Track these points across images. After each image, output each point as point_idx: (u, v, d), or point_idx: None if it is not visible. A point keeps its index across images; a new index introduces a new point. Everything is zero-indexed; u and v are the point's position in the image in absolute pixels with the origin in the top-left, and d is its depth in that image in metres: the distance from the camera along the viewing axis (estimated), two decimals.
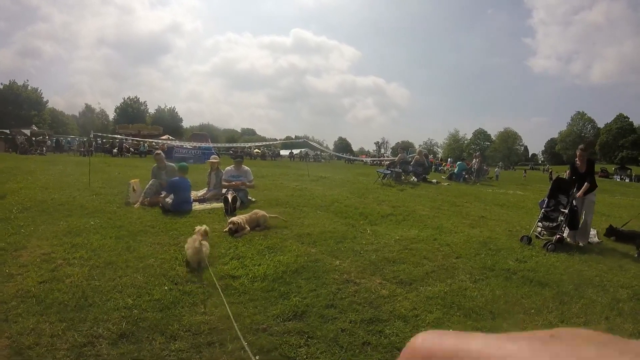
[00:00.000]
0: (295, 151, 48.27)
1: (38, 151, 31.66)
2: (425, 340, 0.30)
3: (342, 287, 3.95)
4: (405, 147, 34.08)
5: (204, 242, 4.54)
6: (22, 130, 35.99)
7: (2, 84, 62.22)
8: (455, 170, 21.63)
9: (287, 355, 2.78)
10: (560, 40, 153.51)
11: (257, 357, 2.72)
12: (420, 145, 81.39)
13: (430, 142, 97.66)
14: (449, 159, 46.54)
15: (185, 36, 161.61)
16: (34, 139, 35.41)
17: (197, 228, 4.89)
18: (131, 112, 74.66)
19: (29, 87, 64.13)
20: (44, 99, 66.80)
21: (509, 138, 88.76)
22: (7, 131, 35.03)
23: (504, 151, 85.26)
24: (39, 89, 65.74)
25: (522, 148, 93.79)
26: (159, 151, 9.35)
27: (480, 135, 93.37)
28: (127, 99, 78.42)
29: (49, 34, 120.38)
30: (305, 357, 2.78)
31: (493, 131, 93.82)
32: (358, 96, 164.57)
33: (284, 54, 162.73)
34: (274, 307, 3.49)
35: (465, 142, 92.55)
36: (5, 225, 5.91)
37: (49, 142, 37.63)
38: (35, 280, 3.85)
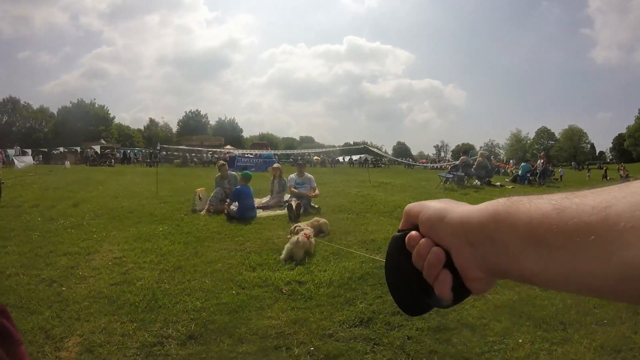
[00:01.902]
0: (355, 157, 48.29)
1: (107, 163, 34.23)
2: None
3: None
4: (466, 149, 32.78)
5: (306, 240, 4.99)
6: (92, 146, 39.03)
7: (71, 102, 68.62)
8: (520, 172, 20.64)
9: None
10: (620, 28, 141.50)
11: None
12: (481, 147, 77.41)
13: (492, 144, 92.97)
14: (510, 161, 44.36)
15: (242, 51, 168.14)
16: (103, 151, 38.27)
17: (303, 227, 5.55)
18: (193, 124, 78.57)
19: (96, 105, 69.74)
20: (111, 115, 72.26)
21: (574, 136, 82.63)
22: (78, 148, 38.18)
23: (570, 150, 79.41)
24: (106, 106, 71.40)
25: (589, 146, 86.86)
26: (222, 162, 9.71)
27: (544, 134, 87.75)
28: (189, 112, 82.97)
29: (112, 56, 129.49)
30: None
31: (557, 129, 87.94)
32: (415, 100, 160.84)
33: (339, 62, 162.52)
34: (339, 313, 3.46)
35: (528, 142, 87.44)
36: (78, 231, 6.42)
37: (117, 155, 40.41)
38: (107, 282, 4.09)
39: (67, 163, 31.49)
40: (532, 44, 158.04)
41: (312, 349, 2.87)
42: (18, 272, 4.38)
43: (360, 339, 3.04)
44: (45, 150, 39.94)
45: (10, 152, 30.20)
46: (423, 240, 0.48)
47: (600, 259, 0.32)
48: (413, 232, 0.50)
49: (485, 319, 3.39)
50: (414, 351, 2.87)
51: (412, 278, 0.50)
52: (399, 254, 0.52)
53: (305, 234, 5.19)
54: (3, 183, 8.54)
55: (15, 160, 25.65)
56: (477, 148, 69.72)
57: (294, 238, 4.98)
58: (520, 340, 2.98)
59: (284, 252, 4.91)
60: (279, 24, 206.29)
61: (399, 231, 0.54)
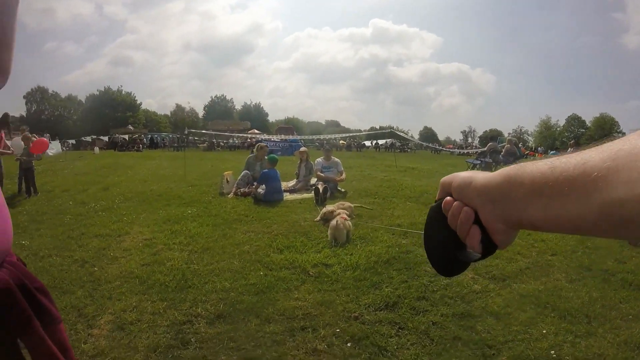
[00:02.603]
0: (381, 142, 48.01)
1: (135, 148, 34.99)
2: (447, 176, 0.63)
3: (433, 279, 3.82)
4: (494, 136, 31.95)
5: (345, 222, 5.09)
6: (119, 133, 40.11)
7: (98, 90, 70.43)
8: None
9: (378, 344, 2.76)
10: None
11: (348, 344, 2.75)
12: (509, 134, 74.99)
13: (520, 130, 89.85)
14: (539, 148, 42.96)
15: (266, 35, 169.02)
16: (130, 137, 39.31)
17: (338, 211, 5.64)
18: (219, 109, 79.85)
19: (123, 92, 71.32)
20: (138, 102, 73.72)
21: (605, 124, 79.23)
22: (106, 139, 39.55)
23: (601, 139, 76.45)
24: (132, 92, 72.95)
25: (620, 135, 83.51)
26: (264, 145, 9.79)
27: (574, 121, 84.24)
28: (215, 97, 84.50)
29: (137, 44, 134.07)
30: (395, 347, 2.75)
31: (588, 117, 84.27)
32: (442, 84, 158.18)
33: (365, 45, 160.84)
34: (365, 296, 3.48)
35: (558, 129, 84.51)
36: (109, 214, 6.61)
37: (144, 140, 41.38)
38: (138, 263, 4.21)
39: (96, 149, 32.38)
40: (563, 27, 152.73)
41: (337, 330, 2.91)
42: (51, 254, 4.53)
43: (385, 323, 3.06)
44: (74, 138, 41.22)
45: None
46: (456, 203, 0.60)
47: (583, 203, 0.42)
48: (448, 197, 0.62)
49: (509, 307, 3.36)
50: (438, 336, 2.88)
51: (448, 239, 0.62)
52: (436, 220, 0.64)
53: (342, 216, 5.29)
54: (34, 169, 8.81)
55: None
56: (505, 134, 68.08)
57: (333, 222, 5.07)
58: (544, 331, 2.95)
59: (329, 236, 5.05)
60: (303, 8, 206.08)
61: (435, 201, 0.65)
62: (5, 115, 9.04)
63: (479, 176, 0.58)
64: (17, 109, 63.67)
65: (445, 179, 0.63)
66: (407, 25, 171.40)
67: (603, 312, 3.33)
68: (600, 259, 4.65)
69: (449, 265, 0.64)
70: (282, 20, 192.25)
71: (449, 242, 0.62)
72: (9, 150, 8.42)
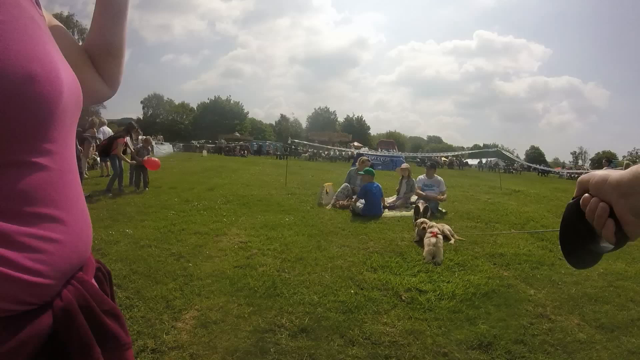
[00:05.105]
0: (484, 160, 46.29)
1: (241, 153, 37.33)
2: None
3: (534, 321, 3.43)
4: (608, 158, 28.92)
5: (436, 240, 5.05)
6: (226, 139, 43.31)
7: (208, 98, 78.06)
8: None
9: None
10: None
11: None
12: (624, 157, 67.38)
13: (637, 153, 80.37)
14: None
15: (370, 49, 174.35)
16: (237, 143, 42.52)
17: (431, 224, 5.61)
18: (322, 120, 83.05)
19: (232, 101, 78.01)
20: (245, 111, 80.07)
21: None
22: (212, 145, 43.15)
23: None
24: (240, 102, 79.43)
25: None
26: (366, 158, 9.82)
27: None
28: (318, 108, 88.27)
29: (247, 57, 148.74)
30: None
31: None
32: (552, 99, 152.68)
33: (470, 58, 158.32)
34: (458, 330, 3.20)
35: None
36: (210, 213, 6.98)
37: (249, 146, 44.32)
38: (231, 264, 4.31)
39: (205, 152, 35.02)
40: None
41: None
42: (151, 244, 4.85)
43: None
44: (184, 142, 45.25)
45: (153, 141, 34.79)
46: (593, 199, 0.67)
47: None
48: (586, 194, 0.69)
49: None
50: None
51: (583, 232, 0.70)
52: (574, 215, 0.71)
53: (432, 232, 5.23)
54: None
55: (157, 148, 29.19)
56: (620, 157, 61.64)
57: (433, 239, 5.03)
58: None
59: (425, 253, 4.96)
60: (406, 21, 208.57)
61: (572, 199, 0.73)
62: (131, 124, 10.04)
63: (614, 174, 0.65)
64: (135, 112, 72.04)
65: (583, 177, 0.72)
66: (514, 36, 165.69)
67: None
68: None
69: (584, 257, 0.73)
70: (386, 34, 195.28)
71: (584, 236, 0.70)
72: (133, 160, 9.53)
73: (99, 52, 0.96)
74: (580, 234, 0.70)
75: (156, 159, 10.05)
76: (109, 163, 10.12)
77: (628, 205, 0.62)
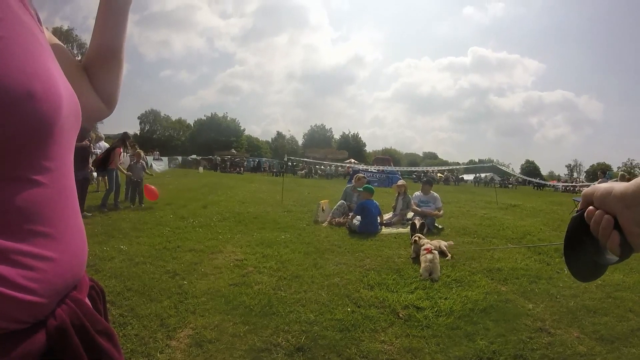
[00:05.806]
0: (481, 175, 46.87)
1: (236, 170, 37.52)
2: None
3: (534, 335, 3.44)
4: (603, 169, 29.38)
5: (432, 256, 5.07)
6: (222, 155, 43.47)
7: (205, 115, 78.22)
8: None
9: None
10: None
11: None
12: (619, 168, 67.96)
13: (631, 163, 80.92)
14: None
15: (367, 66, 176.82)
16: (233, 159, 42.73)
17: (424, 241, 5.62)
18: (318, 137, 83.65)
19: (228, 118, 78.20)
20: (241, 127, 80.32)
21: None
22: (210, 158, 43.07)
23: None
24: (237, 119, 79.64)
25: None
26: (362, 175, 9.86)
27: None
28: (314, 125, 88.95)
29: (245, 74, 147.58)
30: None
31: None
32: (546, 113, 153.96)
33: (465, 74, 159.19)
34: (457, 347, 3.19)
35: None
36: (205, 231, 6.95)
37: (245, 163, 44.76)
38: (226, 282, 4.29)
39: (201, 168, 35.18)
40: None
41: None
42: (146, 261, 4.83)
43: None
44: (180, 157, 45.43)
45: (149, 157, 34.73)
46: (598, 211, 0.68)
47: None
48: (590, 207, 0.70)
49: None
50: None
51: (588, 244, 0.71)
52: (579, 228, 0.73)
53: (426, 248, 5.26)
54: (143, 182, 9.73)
55: (154, 164, 29.22)
56: (615, 169, 62.19)
57: (430, 255, 5.05)
58: None
59: (422, 270, 4.96)
60: (402, 39, 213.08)
61: (577, 212, 0.74)
62: (125, 134, 10.06)
63: (618, 186, 0.66)
64: (132, 127, 72.30)
65: (588, 190, 0.73)
66: (508, 52, 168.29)
67: None
68: None
69: (588, 269, 0.74)
70: (382, 51, 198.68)
71: (589, 248, 0.72)
72: (128, 172, 9.73)
73: (98, 58, 0.98)
74: (585, 246, 0.72)
75: (155, 190, 10.02)
76: (106, 178, 10.15)
77: (633, 216, 0.62)
